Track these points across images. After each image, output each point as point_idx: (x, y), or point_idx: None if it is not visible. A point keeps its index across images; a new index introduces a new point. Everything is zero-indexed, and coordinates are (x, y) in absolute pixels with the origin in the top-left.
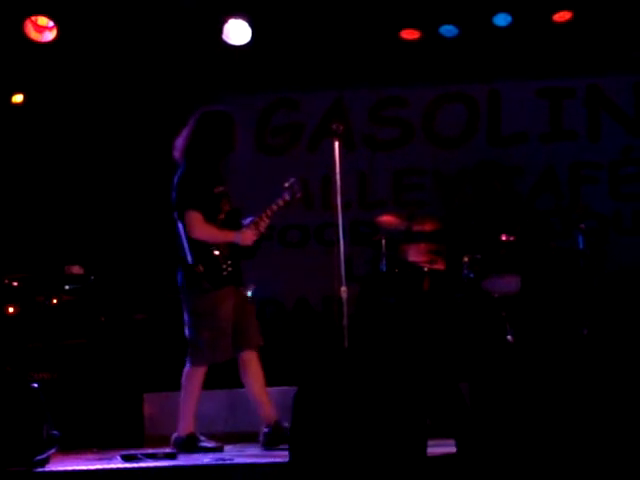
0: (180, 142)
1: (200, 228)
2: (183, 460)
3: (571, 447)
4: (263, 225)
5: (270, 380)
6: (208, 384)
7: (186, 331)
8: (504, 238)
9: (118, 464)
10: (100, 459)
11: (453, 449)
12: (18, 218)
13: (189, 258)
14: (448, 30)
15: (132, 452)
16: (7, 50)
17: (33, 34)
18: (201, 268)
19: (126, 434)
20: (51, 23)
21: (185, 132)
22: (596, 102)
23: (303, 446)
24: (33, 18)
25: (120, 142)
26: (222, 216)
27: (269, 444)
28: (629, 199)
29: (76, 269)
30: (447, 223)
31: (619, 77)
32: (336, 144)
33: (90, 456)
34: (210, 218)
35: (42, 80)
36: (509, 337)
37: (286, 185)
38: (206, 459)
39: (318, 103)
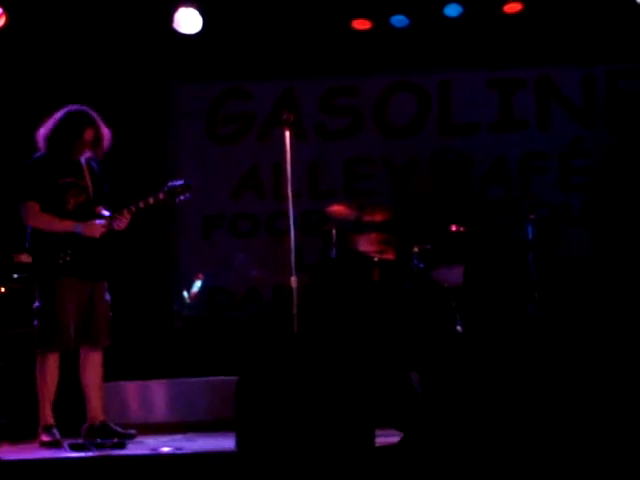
0: (40, 133)
1: (34, 217)
2: (132, 449)
3: (520, 436)
4: (122, 221)
5: (219, 370)
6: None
7: None
8: (454, 229)
9: (66, 454)
10: (48, 448)
11: (400, 439)
12: None
13: (26, 245)
14: (399, 20)
15: (80, 441)
16: None
17: None
18: (25, 258)
19: (75, 423)
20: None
21: (46, 124)
22: (546, 93)
23: (248, 435)
24: None
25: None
26: (70, 206)
27: (86, 438)
28: (578, 189)
29: (24, 257)
30: (397, 213)
31: (569, 68)
32: (287, 133)
33: (37, 445)
34: (54, 208)
35: None
36: (458, 327)
37: (170, 184)
38: (159, 447)
39: (269, 92)
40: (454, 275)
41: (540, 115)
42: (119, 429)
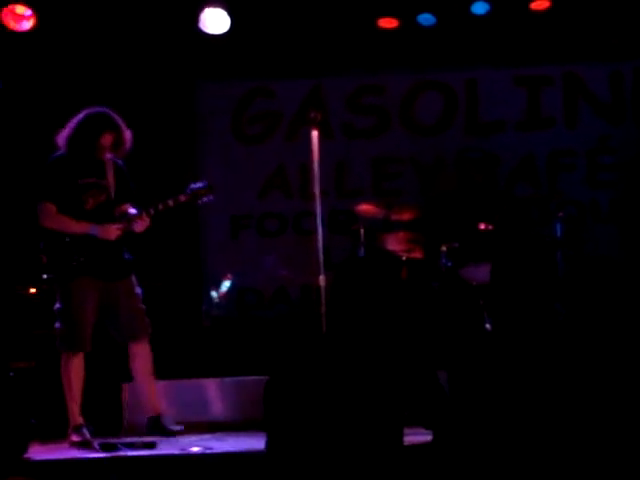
0: (61, 134)
1: (49, 218)
2: (162, 449)
3: (551, 436)
4: (141, 223)
5: (247, 369)
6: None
7: None
8: (482, 227)
9: (97, 453)
10: (78, 448)
11: (429, 438)
12: None
13: (41, 245)
14: (426, 19)
15: (111, 441)
16: None
17: (11, 23)
18: (44, 259)
19: (105, 423)
20: (29, 12)
21: (67, 126)
22: (573, 90)
23: (277, 435)
24: (11, 7)
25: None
26: (89, 206)
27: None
28: (606, 187)
29: None
30: (425, 212)
31: (596, 65)
32: (314, 133)
33: (67, 445)
34: (72, 208)
35: (20, 69)
36: (487, 325)
37: (192, 186)
38: (188, 447)
39: (295, 91)
40: (482, 273)
41: (567, 112)
42: (169, 425)
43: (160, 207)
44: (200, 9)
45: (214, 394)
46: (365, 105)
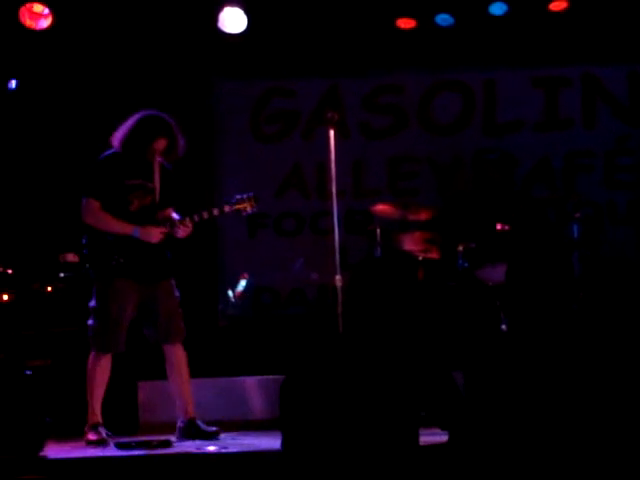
0: (116, 134)
1: (92, 214)
2: (177, 448)
3: (567, 437)
4: (184, 229)
5: (264, 369)
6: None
7: None
8: (499, 227)
9: (112, 452)
10: (94, 447)
11: (445, 438)
12: (13, 206)
13: (83, 241)
14: (444, 19)
15: (126, 440)
16: (2, 38)
17: (28, 21)
18: (71, 257)
19: (120, 422)
20: (46, 10)
21: (122, 126)
22: (592, 91)
23: (293, 435)
24: (28, 5)
25: (114, 128)
26: (133, 208)
27: (183, 437)
28: (623, 188)
29: (71, 257)
30: (442, 212)
31: (614, 66)
32: (331, 132)
33: (83, 444)
34: (117, 208)
35: (37, 68)
36: (503, 326)
37: (238, 196)
38: (204, 447)
39: (313, 91)
40: (499, 274)
41: (585, 113)
42: (204, 427)
43: (205, 216)
44: (219, 8)
45: (230, 393)
46: (382, 105)
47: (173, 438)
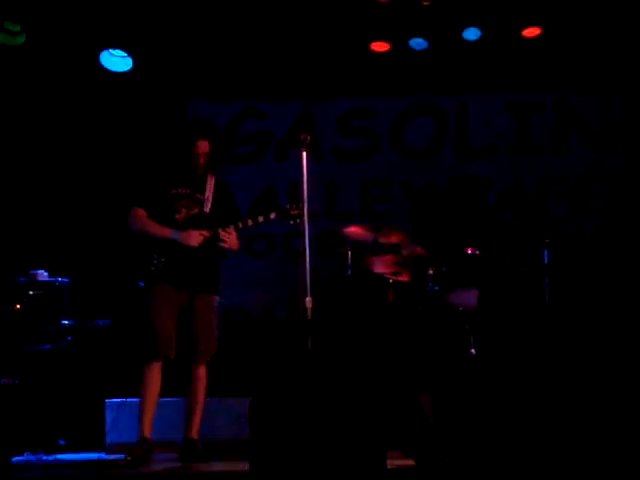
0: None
1: (136, 222)
2: (141, 468)
3: (534, 461)
4: (227, 236)
5: (231, 390)
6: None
7: None
8: (469, 251)
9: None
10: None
11: (412, 461)
12: None
13: (132, 250)
14: (418, 43)
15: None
16: None
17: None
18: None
19: (87, 440)
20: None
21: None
22: (563, 117)
23: (261, 455)
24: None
25: (88, 146)
26: (180, 216)
27: (184, 458)
28: (594, 214)
29: (41, 275)
30: (413, 235)
31: (586, 93)
32: (304, 154)
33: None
34: (163, 216)
35: (9, 83)
36: (472, 350)
37: (286, 205)
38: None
39: (286, 113)
40: (469, 298)
41: (557, 139)
42: (200, 450)
43: (249, 223)
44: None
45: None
46: (356, 128)
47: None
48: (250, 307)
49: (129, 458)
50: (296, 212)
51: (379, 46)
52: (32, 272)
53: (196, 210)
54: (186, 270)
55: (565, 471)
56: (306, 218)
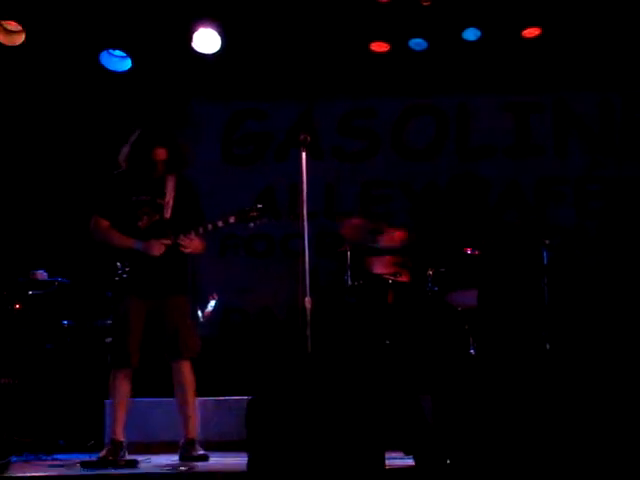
0: (121, 153)
1: (98, 231)
2: (143, 468)
3: (534, 460)
4: (189, 242)
5: (230, 390)
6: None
7: None
8: (469, 252)
9: (78, 472)
10: (60, 466)
11: (412, 462)
12: None
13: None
14: (417, 43)
15: (92, 459)
16: None
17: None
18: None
19: (87, 441)
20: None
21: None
22: (563, 117)
23: (259, 455)
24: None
25: (85, 148)
26: (142, 224)
27: (182, 458)
28: (594, 215)
29: (40, 275)
30: (413, 236)
31: (586, 93)
32: (303, 155)
33: (50, 463)
34: (126, 224)
35: (8, 84)
36: (472, 350)
37: (246, 207)
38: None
39: (286, 113)
40: (468, 298)
41: (557, 139)
42: (197, 448)
43: (209, 227)
44: (193, 29)
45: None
46: (356, 128)
47: (140, 458)
48: (249, 307)
49: (97, 459)
50: (255, 214)
51: (379, 46)
52: (32, 272)
53: (157, 216)
54: (151, 278)
55: (564, 471)
56: (305, 218)
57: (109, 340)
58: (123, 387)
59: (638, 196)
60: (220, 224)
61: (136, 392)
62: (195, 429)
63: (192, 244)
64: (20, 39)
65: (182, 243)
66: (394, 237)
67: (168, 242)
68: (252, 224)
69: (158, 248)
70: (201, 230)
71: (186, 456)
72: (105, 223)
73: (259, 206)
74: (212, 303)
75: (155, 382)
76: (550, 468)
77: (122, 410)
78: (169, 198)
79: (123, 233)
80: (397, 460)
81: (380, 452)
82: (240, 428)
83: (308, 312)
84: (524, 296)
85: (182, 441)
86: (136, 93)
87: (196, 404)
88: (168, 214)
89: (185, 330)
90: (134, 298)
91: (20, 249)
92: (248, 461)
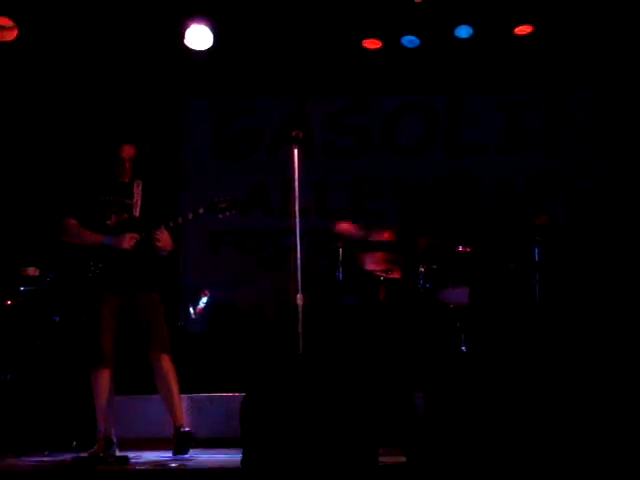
0: None
1: (68, 231)
2: (135, 465)
3: (526, 456)
4: (159, 236)
5: (222, 386)
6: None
7: None
8: (460, 249)
9: (68, 468)
10: (50, 463)
11: (404, 458)
12: None
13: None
14: (410, 40)
15: (83, 456)
16: None
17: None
18: (31, 271)
19: (79, 437)
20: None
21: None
22: (555, 115)
23: (253, 451)
24: None
25: (78, 144)
26: (111, 222)
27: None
28: (584, 211)
29: (32, 271)
30: (403, 233)
31: (578, 91)
32: (295, 151)
33: (42, 459)
34: (94, 223)
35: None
36: (463, 347)
37: (213, 199)
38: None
39: (278, 109)
40: (460, 295)
41: (548, 137)
42: (181, 439)
43: (179, 220)
44: (185, 26)
45: (189, 410)
46: (347, 125)
47: (130, 454)
48: (240, 303)
49: (88, 455)
50: (223, 205)
51: (371, 43)
52: (23, 268)
53: (126, 215)
54: (123, 274)
55: (557, 469)
56: (297, 215)
57: (82, 339)
58: (103, 385)
59: (629, 193)
60: (190, 216)
61: (126, 389)
62: (183, 416)
63: (163, 237)
64: (12, 35)
65: (153, 236)
66: (383, 236)
67: (138, 236)
68: (221, 215)
69: (128, 241)
70: (171, 224)
71: (179, 445)
72: (73, 222)
73: (227, 198)
74: (204, 299)
75: (144, 379)
76: (541, 464)
77: (105, 407)
78: (137, 198)
79: (92, 231)
80: (390, 457)
81: (373, 449)
82: (231, 425)
83: (300, 308)
84: (515, 293)
85: (173, 432)
86: (128, 90)
87: (180, 394)
88: (137, 212)
89: (158, 325)
90: (107, 295)
91: (11, 245)
92: (242, 458)
